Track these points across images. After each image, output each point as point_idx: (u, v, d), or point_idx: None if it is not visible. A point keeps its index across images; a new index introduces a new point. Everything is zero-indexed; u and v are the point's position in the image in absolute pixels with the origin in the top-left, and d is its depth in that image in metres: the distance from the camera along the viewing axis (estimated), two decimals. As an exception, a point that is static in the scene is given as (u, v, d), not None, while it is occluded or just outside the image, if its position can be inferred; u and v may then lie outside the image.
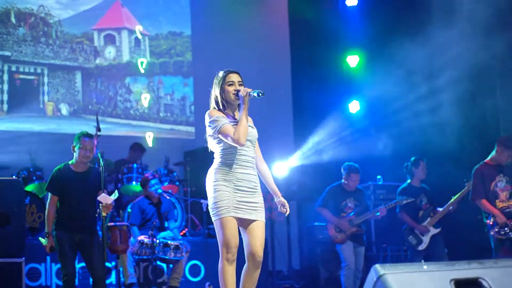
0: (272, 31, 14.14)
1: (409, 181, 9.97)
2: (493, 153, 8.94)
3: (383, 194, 11.60)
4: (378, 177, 11.92)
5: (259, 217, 5.61)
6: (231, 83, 5.66)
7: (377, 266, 4.15)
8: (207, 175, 5.66)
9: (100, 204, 7.35)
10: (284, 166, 11.95)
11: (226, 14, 13.67)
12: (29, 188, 10.02)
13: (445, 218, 9.81)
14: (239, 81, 5.68)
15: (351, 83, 13.30)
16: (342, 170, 9.88)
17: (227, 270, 5.50)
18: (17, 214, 8.40)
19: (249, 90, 5.56)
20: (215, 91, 5.72)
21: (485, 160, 8.97)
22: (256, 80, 13.31)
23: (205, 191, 10.23)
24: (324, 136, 12.97)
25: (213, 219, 5.57)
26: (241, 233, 5.64)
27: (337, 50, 13.33)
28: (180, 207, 10.81)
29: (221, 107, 5.68)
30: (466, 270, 4.21)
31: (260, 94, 5.52)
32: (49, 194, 7.68)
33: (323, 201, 9.85)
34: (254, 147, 5.71)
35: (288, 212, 5.84)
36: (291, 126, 13.92)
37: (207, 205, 9.88)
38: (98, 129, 8.40)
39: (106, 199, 7.34)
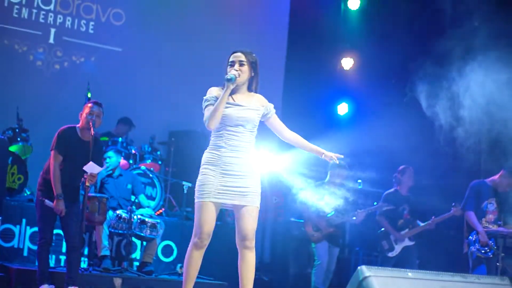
0: (271, 27, 14.13)
1: (396, 187, 9.99)
2: (496, 176, 9.13)
3: (361, 199, 11.61)
4: (359, 181, 11.92)
5: (249, 202, 5.52)
6: (231, 63, 5.60)
7: (363, 267, 4.18)
8: (202, 157, 5.62)
9: (86, 174, 7.31)
10: (270, 161, 11.93)
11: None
12: (12, 148, 9.92)
13: (422, 233, 9.88)
14: (241, 61, 5.58)
15: (343, 85, 13.33)
16: (329, 165, 9.81)
17: (192, 254, 5.48)
18: (-3, 173, 8.40)
19: (232, 72, 5.48)
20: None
21: (486, 179, 9.13)
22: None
23: (187, 173, 10.30)
24: (310, 135, 12.96)
25: (195, 201, 5.54)
26: (235, 219, 5.61)
27: (333, 52, 13.35)
28: (159, 186, 10.78)
29: (222, 87, 5.54)
30: (450, 282, 4.25)
31: (229, 79, 5.40)
32: (54, 153, 7.51)
33: (304, 198, 9.83)
34: (251, 131, 5.58)
35: (339, 155, 5.84)
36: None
37: (188, 187, 10.03)
38: (89, 99, 8.37)
39: (93, 168, 7.29)
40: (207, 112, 5.44)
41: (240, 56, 5.59)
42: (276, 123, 5.74)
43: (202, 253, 5.51)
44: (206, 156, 5.55)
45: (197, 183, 5.53)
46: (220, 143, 5.49)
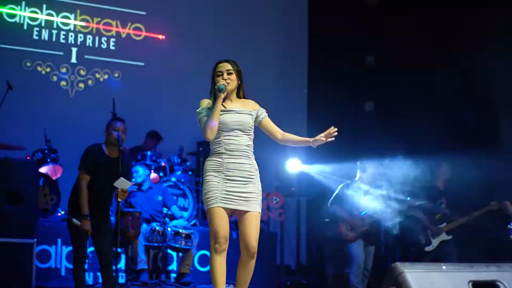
0: (292, 25, 14.14)
1: (433, 181, 9.92)
2: None
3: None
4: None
5: (252, 207, 5.57)
6: (219, 73, 5.71)
7: (398, 264, 4.17)
8: (204, 165, 5.69)
9: (117, 190, 7.33)
10: (297, 162, 11.90)
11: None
12: (43, 170, 10.03)
13: (459, 227, 9.79)
14: (228, 70, 5.70)
15: (368, 83, 13.27)
16: (357, 164, 9.81)
17: (215, 260, 5.49)
18: (30, 195, 8.44)
19: (221, 82, 5.62)
20: (211, 82, 5.77)
21: None
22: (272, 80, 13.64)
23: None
24: (338, 134, 12.94)
25: (205, 209, 5.60)
26: (238, 225, 5.64)
27: (356, 50, 13.29)
28: (191, 197, 10.80)
29: (211, 97, 5.70)
30: (484, 273, 4.23)
31: (220, 89, 5.55)
32: (81, 173, 7.58)
33: (335, 198, 9.81)
34: (248, 134, 5.66)
35: (332, 132, 5.73)
36: (305, 123, 13.93)
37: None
38: (114, 115, 8.42)
39: (124, 184, 7.31)
40: (201, 124, 5.57)
41: (227, 66, 5.73)
42: (268, 126, 5.80)
43: (224, 257, 5.54)
44: (208, 163, 5.63)
45: (203, 191, 5.60)
46: (220, 149, 5.57)
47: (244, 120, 5.64)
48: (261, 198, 5.67)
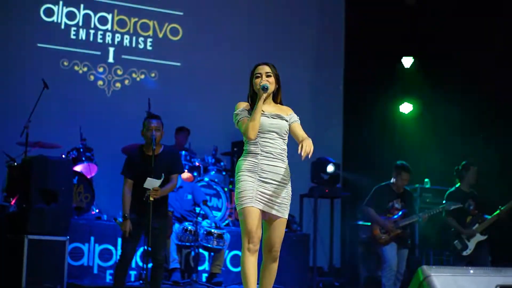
0: (327, 30, 14.14)
1: (458, 185, 9.88)
2: None
3: (430, 198, 11.50)
4: (426, 180, 11.82)
5: (283, 214, 5.58)
6: (258, 75, 5.68)
7: (424, 267, 4.13)
8: (236, 165, 5.67)
9: (148, 190, 7.31)
10: (331, 163, 11.86)
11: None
12: (78, 168, 10.11)
13: (492, 225, 9.71)
14: (267, 72, 5.67)
15: (404, 85, 13.22)
16: (393, 169, 9.77)
17: (249, 260, 5.46)
18: (65, 193, 8.52)
19: (263, 82, 5.59)
20: (249, 84, 5.75)
21: None
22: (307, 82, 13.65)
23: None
24: (372, 135, 12.93)
25: (237, 209, 5.57)
26: (262, 228, 5.59)
27: (392, 52, 13.23)
28: (225, 197, 10.82)
29: (249, 100, 5.71)
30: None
31: (265, 87, 5.54)
32: (124, 178, 7.60)
33: (369, 201, 9.75)
34: (283, 139, 5.63)
35: (303, 153, 5.41)
36: (341, 123, 13.91)
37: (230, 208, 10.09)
38: (149, 114, 8.43)
39: (152, 183, 7.31)
40: (242, 124, 5.55)
41: (266, 68, 5.70)
42: (295, 129, 5.72)
43: (256, 257, 5.51)
44: (243, 163, 5.60)
45: (237, 190, 5.56)
46: (256, 150, 5.55)
47: (280, 123, 5.62)
48: (290, 202, 5.66)
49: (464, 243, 9.66)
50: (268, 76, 5.66)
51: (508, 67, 11.36)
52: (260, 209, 5.48)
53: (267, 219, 5.58)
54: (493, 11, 11.67)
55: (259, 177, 5.50)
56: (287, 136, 5.69)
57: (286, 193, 5.60)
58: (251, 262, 5.47)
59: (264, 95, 5.54)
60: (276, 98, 5.78)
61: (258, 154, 5.53)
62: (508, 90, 11.27)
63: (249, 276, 5.46)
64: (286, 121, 5.67)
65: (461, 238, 9.69)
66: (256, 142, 5.54)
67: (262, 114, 5.56)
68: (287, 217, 5.63)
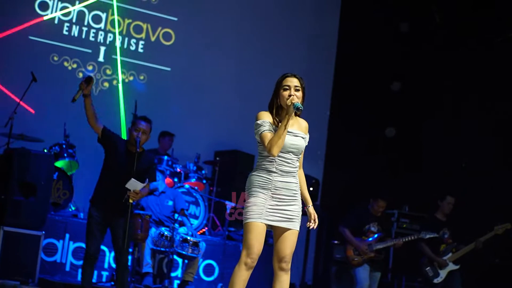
0: (320, 44, 14.15)
1: (435, 213, 9.97)
2: None
3: (407, 224, 11.54)
4: (404, 206, 11.88)
5: (294, 226, 5.50)
6: (286, 87, 5.50)
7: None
8: (247, 179, 5.58)
9: (128, 191, 7.30)
10: (310, 181, 11.86)
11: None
12: (59, 164, 10.06)
13: (467, 256, 9.79)
14: (296, 86, 5.50)
15: (390, 109, 13.30)
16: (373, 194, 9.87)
17: (241, 274, 5.40)
18: (44, 188, 8.51)
19: (295, 100, 5.42)
20: (273, 94, 5.59)
21: None
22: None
23: (231, 193, 10.32)
24: (352, 157, 12.95)
25: (243, 222, 5.49)
26: (273, 240, 5.56)
27: (382, 78, 13.32)
28: (203, 205, 10.82)
29: (273, 111, 5.54)
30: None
31: (300, 108, 5.39)
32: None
33: (346, 221, 9.82)
34: (298, 157, 5.55)
35: (314, 226, 5.68)
36: (324, 143, 13.92)
37: (231, 207, 10.06)
38: (135, 116, 8.43)
39: (135, 185, 7.29)
40: (266, 139, 5.39)
41: (295, 81, 5.53)
42: (301, 154, 5.69)
43: (249, 274, 5.45)
44: (255, 178, 5.51)
45: (247, 204, 5.48)
46: (271, 167, 5.46)
47: (300, 144, 5.53)
48: (301, 214, 5.58)
49: (435, 271, 9.73)
50: (296, 90, 5.49)
51: (492, 100, 11.50)
52: (270, 225, 5.44)
53: (277, 231, 5.51)
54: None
55: (272, 193, 5.44)
56: (301, 154, 5.63)
57: (298, 208, 5.52)
58: (242, 276, 5.41)
59: (292, 113, 5.42)
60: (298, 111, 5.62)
61: (273, 172, 5.46)
62: (488, 121, 11.43)
63: None
64: (304, 140, 5.59)
65: (434, 265, 9.76)
66: (273, 160, 5.45)
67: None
68: (298, 229, 5.54)
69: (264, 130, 5.43)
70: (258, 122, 5.47)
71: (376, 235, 9.69)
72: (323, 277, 11.70)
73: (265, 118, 5.49)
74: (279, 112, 5.53)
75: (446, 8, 12.42)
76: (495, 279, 10.21)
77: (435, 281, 9.76)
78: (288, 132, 5.44)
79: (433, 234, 9.61)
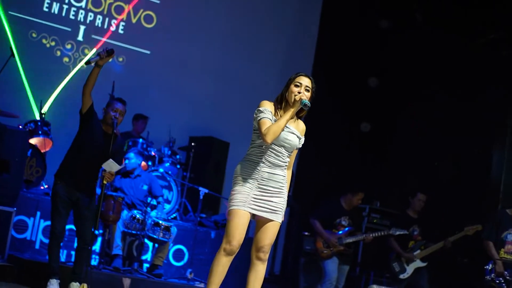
0: (300, 41, 14.16)
1: (407, 210, 10.05)
2: None
3: (377, 219, 11.59)
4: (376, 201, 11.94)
5: (277, 218, 5.56)
6: (298, 84, 5.59)
7: (374, 286, 4.18)
8: (236, 167, 5.63)
9: (104, 171, 7.28)
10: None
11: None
12: (33, 141, 9.99)
13: (435, 254, 9.86)
14: (307, 86, 5.59)
15: (367, 106, 13.34)
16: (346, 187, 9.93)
17: (221, 260, 5.44)
18: (18, 164, 8.45)
19: (304, 97, 5.52)
20: (284, 88, 5.66)
21: (506, 209, 8.98)
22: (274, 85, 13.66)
23: (204, 180, 10.31)
24: (327, 150, 12.98)
25: (227, 209, 5.55)
26: (255, 229, 5.61)
27: (359, 73, 13.35)
28: (176, 190, 10.80)
29: (277, 104, 5.62)
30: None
31: (307, 105, 5.47)
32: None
33: (317, 213, 9.86)
34: (289, 154, 5.62)
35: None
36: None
37: (204, 194, 10.07)
38: (112, 97, 8.39)
39: (111, 167, 7.26)
40: (263, 125, 5.44)
41: (308, 82, 5.62)
42: (293, 154, 5.75)
43: (230, 260, 5.49)
44: (243, 167, 5.58)
45: (232, 191, 5.55)
46: (261, 157, 5.53)
47: (294, 141, 5.59)
48: (285, 208, 5.64)
49: (402, 266, 9.82)
50: (306, 90, 5.58)
51: (467, 99, 11.58)
52: (252, 213, 5.48)
53: (259, 222, 5.57)
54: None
55: (258, 183, 5.50)
56: (293, 151, 5.67)
57: (283, 200, 5.58)
58: (222, 262, 5.45)
59: (298, 109, 5.52)
60: (301, 112, 5.69)
61: (262, 162, 5.52)
62: (461, 120, 11.52)
63: (215, 275, 5.45)
64: (299, 139, 5.65)
65: (401, 261, 9.84)
66: (264, 151, 5.52)
67: None
68: (280, 221, 5.61)
69: (263, 117, 5.48)
70: (260, 108, 5.54)
71: (346, 229, 9.75)
72: (292, 268, 11.73)
73: (267, 107, 5.56)
74: (284, 106, 5.60)
75: (427, 6, 12.46)
76: (463, 277, 10.27)
77: (401, 276, 9.84)
78: (285, 127, 5.52)
79: (403, 231, 9.68)
